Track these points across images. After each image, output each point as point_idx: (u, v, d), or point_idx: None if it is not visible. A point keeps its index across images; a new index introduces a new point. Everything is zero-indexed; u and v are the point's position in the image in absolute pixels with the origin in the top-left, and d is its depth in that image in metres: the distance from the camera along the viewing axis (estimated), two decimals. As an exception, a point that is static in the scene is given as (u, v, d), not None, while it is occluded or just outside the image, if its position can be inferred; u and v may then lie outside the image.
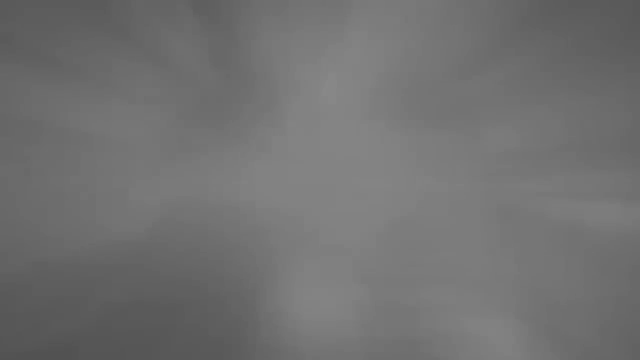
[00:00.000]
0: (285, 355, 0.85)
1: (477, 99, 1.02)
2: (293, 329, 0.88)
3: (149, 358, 0.84)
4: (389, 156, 1.07)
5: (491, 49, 0.97)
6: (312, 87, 1.05)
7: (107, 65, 0.96)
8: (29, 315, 0.88)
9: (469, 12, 0.96)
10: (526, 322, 0.89)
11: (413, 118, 1.06)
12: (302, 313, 0.92)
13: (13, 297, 0.89)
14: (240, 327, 0.89)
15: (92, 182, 0.99)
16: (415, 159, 1.06)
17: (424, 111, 1.06)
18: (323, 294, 0.95)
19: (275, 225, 1.04)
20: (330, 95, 1.06)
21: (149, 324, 0.89)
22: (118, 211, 1.00)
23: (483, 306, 0.93)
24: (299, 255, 1.01)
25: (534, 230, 0.97)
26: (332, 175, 1.07)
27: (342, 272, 0.99)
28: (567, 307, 0.88)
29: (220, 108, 1.06)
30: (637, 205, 0.87)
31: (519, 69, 0.97)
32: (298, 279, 0.98)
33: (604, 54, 0.87)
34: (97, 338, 0.86)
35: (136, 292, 0.94)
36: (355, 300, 0.94)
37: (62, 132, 0.95)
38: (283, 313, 0.91)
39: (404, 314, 0.91)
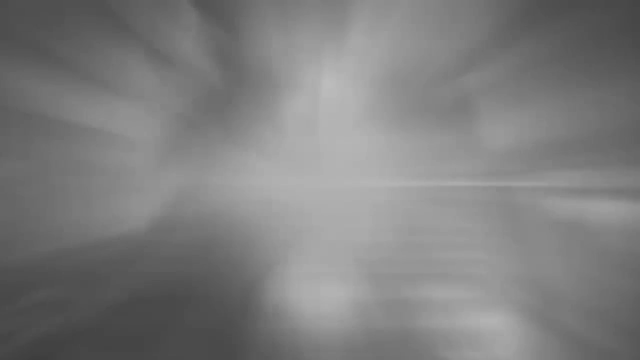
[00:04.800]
0: (285, 351, 0.84)
1: (476, 97, 1.03)
2: (293, 324, 0.88)
3: (148, 354, 0.83)
4: (389, 155, 1.08)
5: (489, 47, 0.99)
6: (312, 86, 1.06)
7: (109, 62, 0.98)
8: (28, 311, 0.88)
9: (466, 13, 0.98)
10: (528, 318, 0.88)
11: (412, 117, 1.07)
12: (302, 308, 0.91)
13: (12, 292, 0.89)
14: (240, 322, 0.88)
15: (93, 178, 0.99)
16: (415, 157, 1.07)
17: (423, 110, 1.07)
18: (323, 290, 0.95)
19: (274, 222, 1.04)
20: (330, 94, 1.07)
21: (147, 320, 0.88)
22: (118, 207, 1.01)
23: (486, 302, 0.92)
24: (299, 252, 1.01)
25: (535, 227, 0.97)
26: (332, 173, 1.07)
27: (343, 269, 0.99)
28: (569, 302, 0.87)
29: (221, 106, 1.07)
30: (637, 201, 0.87)
31: (517, 67, 0.98)
32: (297, 275, 0.98)
33: (603, 50, 0.89)
34: (95, 333, 0.86)
35: (135, 287, 0.93)
36: (356, 296, 0.93)
37: (64, 128, 0.96)
38: (283, 308, 0.91)
39: (406, 310, 0.91)
